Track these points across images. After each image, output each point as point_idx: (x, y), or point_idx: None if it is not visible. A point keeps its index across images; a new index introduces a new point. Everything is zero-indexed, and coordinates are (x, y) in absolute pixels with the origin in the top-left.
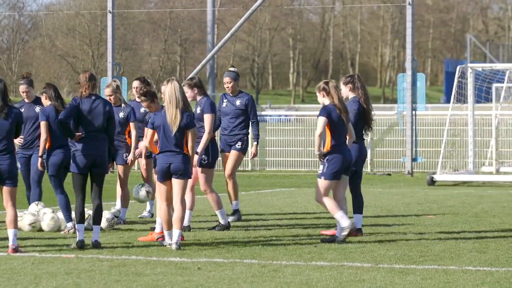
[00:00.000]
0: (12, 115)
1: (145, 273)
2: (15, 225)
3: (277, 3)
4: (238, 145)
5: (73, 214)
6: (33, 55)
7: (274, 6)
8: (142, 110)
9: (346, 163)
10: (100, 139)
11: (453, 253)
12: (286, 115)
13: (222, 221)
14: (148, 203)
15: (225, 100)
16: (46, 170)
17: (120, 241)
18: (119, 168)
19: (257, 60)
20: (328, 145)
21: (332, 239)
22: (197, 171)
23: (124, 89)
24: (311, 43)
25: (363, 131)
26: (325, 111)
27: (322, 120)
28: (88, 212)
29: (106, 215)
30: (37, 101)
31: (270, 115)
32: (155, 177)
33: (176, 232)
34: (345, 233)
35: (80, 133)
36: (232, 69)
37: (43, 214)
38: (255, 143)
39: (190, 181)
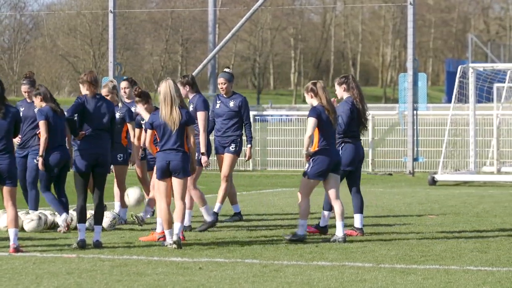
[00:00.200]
0: (10, 114)
1: (146, 273)
2: (16, 225)
3: (279, 3)
4: (232, 147)
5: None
6: (34, 55)
7: (275, 6)
8: (132, 109)
9: (332, 164)
10: (104, 139)
11: (455, 253)
12: (287, 115)
13: (208, 219)
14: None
15: (218, 102)
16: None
17: (122, 241)
18: (115, 169)
19: (258, 60)
20: (315, 145)
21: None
22: (199, 169)
23: None
24: (313, 43)
25: (359, 131)
26: (315, 112)
27: (312, 121)
28: (90, 212)
29: (107, 215)
30: None
31: (272, 115)
32: (149, 178)
33: (177, 225)
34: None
35: (84, 132)
36: (227, 70)
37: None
38: (249, 145)
39: (191, 180)
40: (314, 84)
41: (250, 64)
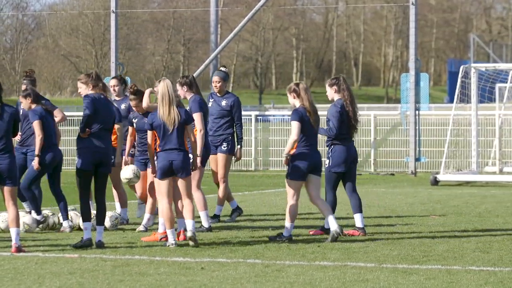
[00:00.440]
0: (8, 114)
1: (148, 273)
2: (17, 224)
3: (281, 3)
4: (224, 147)
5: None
6: (37, 54)
7: (277, 6)
8: (123, 106)
9: (311, 165)
10: (107, 138)
11: (457, 253)
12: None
13: (205, 224)
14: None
15: (211, 100)
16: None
17: (124, 241)
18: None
19: (260, 60)
20: (295, 146)
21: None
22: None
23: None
24: (315, 43)
25: (349, 133)
26: (298, 115)
27: (296, 125)
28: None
29: (109, 214)
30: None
31: (274, 115)
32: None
33: (189, 222)
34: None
35: (90, 130)
36: (223, 69)
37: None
38: (239, 146)
39: (194, 182)
40: (297, 85)
41: (252, 64)
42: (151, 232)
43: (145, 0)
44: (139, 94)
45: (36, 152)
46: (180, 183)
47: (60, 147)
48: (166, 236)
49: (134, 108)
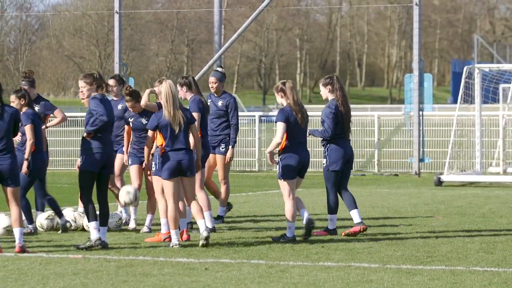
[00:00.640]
0: (8, 114)
1: (152, 274)
2: (21, 224)
3: (284, 3)
4: (222, 148)
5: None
6: (40, 55)
7: (281, 7)
8: (119, 107)
9: (300, 164)
10: (111, 140)
11: (460, 253)
12: None
13: (209, 224)
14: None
15: (209, 101)
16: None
17: (128, 241)
18: None
19: (264, 60)
20: (283, 145)
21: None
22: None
23: None
24: (318, 43)
25: (344, 133)
26: (283, 115)
27: (281, 126)
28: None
29: (112, 215)
30: (37, 100)
31: None
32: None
33: (201, 221)
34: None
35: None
36: (219, 69)
37: None
38: (230, 146)
39: (198, 182)
40: (284, 84)
41: (256, 65)
42: (155, 233)
43: (149, 0)
44: (134, 95)
45: (26, 156)
46: (187, 182)
47: (63, 148)
48: (169, 237)
49: (130, 109)
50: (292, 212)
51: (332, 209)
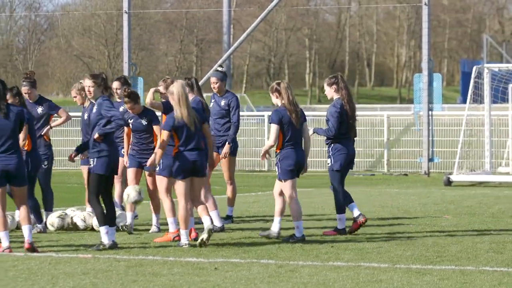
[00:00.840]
0: (14, 113)
1: (162, 273)
2: (29, 221)
3: (293, 3)
4: (227, 150)
5: None
6: (49, 55)
7: (290, 6)
8: (121, 109)
9: (297, 164)
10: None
11: (470, 253)
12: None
13: (217, 223)
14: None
15: (212, 101)
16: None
17: (137, 241)
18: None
19: (273, 60)
20: (279, 146)
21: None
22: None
23: (140, 89)
24: (327, 43)
25: (348, 132)
26: (277, 116)
27: (274, 128)
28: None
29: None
30: (40, 101)
31: None
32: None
33: (206, 217)
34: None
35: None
36: (220, 69)
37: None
38: (227, 143)
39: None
40: (278, 84)
41: (265, 65)
42: (163, 232)
43: (158, 0)
44: (133, 96)
45: None
46: (198, 182)
47: (71, 148)
48: (178, 235)
49: (129, 110)
50: (297, 211)
51: (341, 208)
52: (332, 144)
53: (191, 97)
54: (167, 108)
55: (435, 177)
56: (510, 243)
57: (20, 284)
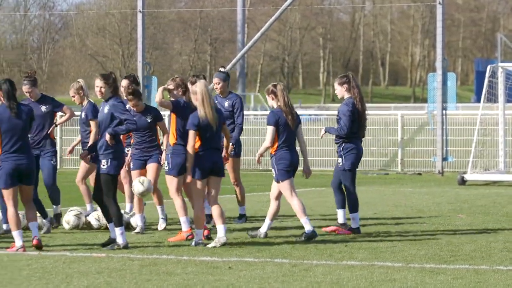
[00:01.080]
0: (25, 112)
1: (176, 272)
2: (36, 218)
3: (307, 2)
4: (231, 150)
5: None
6: (63, 54)
7: (304, 6)
8: (127, 106)
9: (292, 165)
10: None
11: (484, 252)
12: (316, 115)
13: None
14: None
15: (215, 102)
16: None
17: (151, 240)
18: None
19: (287, 59)
20: (275, 148)
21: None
22: None
23: (154, 88)
24: (341, 42)
25: (359, 132)
26: (273, 118)
27: (271, 129)
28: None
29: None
30: (43, 99)
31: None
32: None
33: (221, 226)
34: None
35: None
36: (222, 69)
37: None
38: (230, 144)
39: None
40: (275, 86)
41: (279, 64)
42: (177, 232)
43: None
44: (137, 94)
45: None
46: (217, 182)
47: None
48: (191, 234)
49: (133, 108)
50: (300, 208)
51: (354, 207)
52: (343, 144)
53: None
54: (176, 106)
55: (449, 176)
56: None
57: (34, 283)
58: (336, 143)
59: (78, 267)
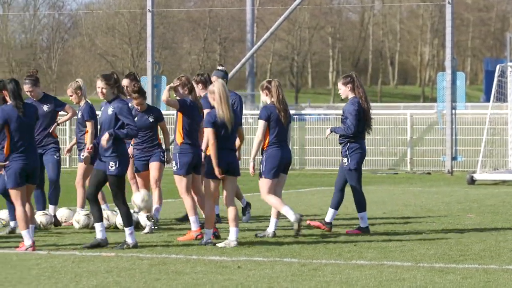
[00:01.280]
0: (31, 112)
1: (185, 272)
2: (33, 221)
3: (317, 2)
4: None
5: None
6: (73, 54)
7: (313, 5)
8: (130, 105)
9: (283, 162)
10: None
11: (493, 252)
12: (325, 114)
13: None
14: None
15: None
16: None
17: (160, 239)
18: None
19: (296, 59)
20: (266, 144)
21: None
22: None
23: (163, 87)
24: (351, 41)
25: (364, 131)
26: (266, 113)
27: (262, 124)
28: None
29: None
30: (45, 98)
31: (310, 114)
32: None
33: (233, 229)
34: (295, 227)
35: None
36: (220, 68)
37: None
38: None
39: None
40: (269, 82)
41: (288, 63)
42: (186, 231)
43: None
44: (142, 92)
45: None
46: (232, 182)
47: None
48: (201, 233)
49: (137, 106)
50: (278, 202)
51: (361, 206)
52: (349, 144)
53: (203, 93)
54: (183, 105)
55: (459, 176)
56: None
57: (44, 282)
58: (341, 143)
59: (87, 267)
